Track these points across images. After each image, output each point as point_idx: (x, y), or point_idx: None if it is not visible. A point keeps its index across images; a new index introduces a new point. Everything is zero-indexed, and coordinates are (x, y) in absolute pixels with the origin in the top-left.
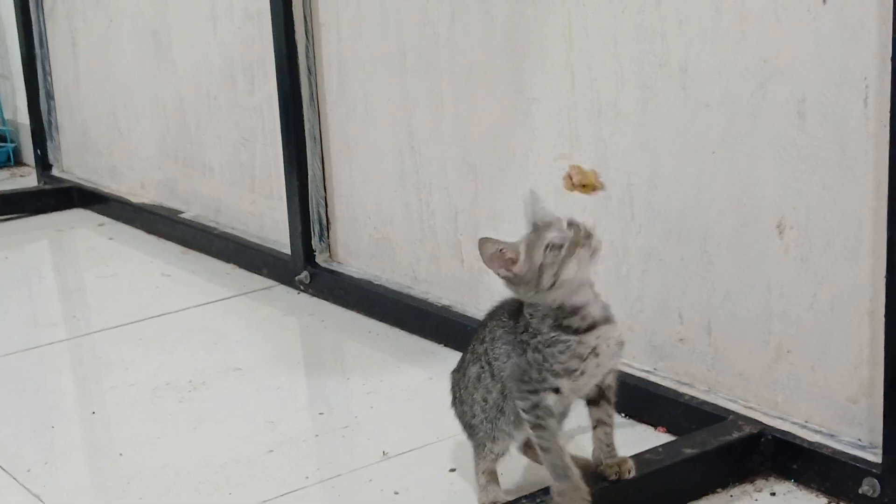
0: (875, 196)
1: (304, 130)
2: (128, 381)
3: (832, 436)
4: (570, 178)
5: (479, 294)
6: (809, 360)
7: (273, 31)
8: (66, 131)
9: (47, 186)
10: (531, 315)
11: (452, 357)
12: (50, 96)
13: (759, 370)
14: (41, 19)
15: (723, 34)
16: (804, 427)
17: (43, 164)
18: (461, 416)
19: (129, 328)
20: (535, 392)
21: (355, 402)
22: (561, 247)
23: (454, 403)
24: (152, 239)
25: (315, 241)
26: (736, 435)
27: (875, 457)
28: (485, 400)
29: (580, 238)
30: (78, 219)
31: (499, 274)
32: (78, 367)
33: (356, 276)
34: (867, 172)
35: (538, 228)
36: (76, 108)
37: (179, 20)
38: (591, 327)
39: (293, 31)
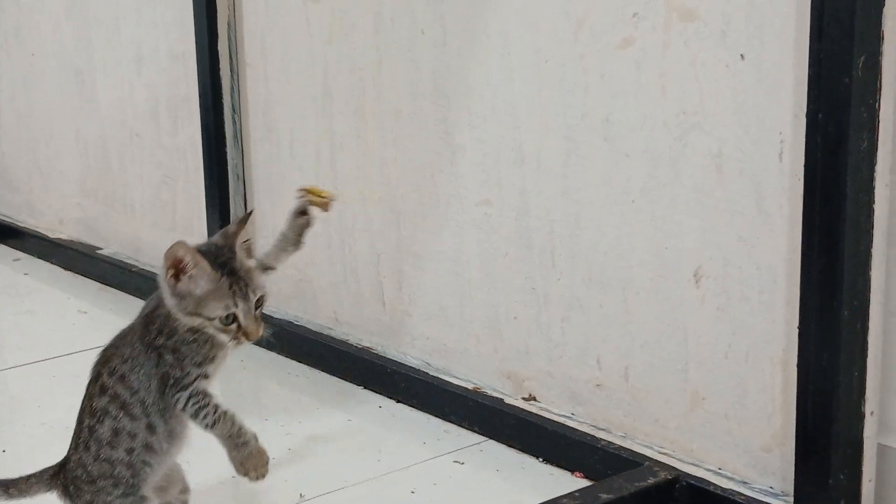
0: (789, 248)
1: (227, 169)
2: (41, 419)
3: (745, 483)
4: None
5: (401, 337)
6: (724, 409)
7: (198, 70)
8: None
9: None
10: (167, 317)
11: (373, 399)
12: None
13: (675, 417)
14: None
15: (644, 87)
16: (718, 474)
17: None
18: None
19: (44, 366)
20: (185, 388)
21: (273, 444)
22: (232, 320)
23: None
24: (69, 276)
25: None
26: (651, 481)
27: None
28: (130, 450)
29: (249, 332)
30: None
31: (168, 275)
32: None
33: (277, 316)
34: (782, 225)
35: (230, 263)
36: None
37: (104, 58)
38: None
39: (218, 70)
